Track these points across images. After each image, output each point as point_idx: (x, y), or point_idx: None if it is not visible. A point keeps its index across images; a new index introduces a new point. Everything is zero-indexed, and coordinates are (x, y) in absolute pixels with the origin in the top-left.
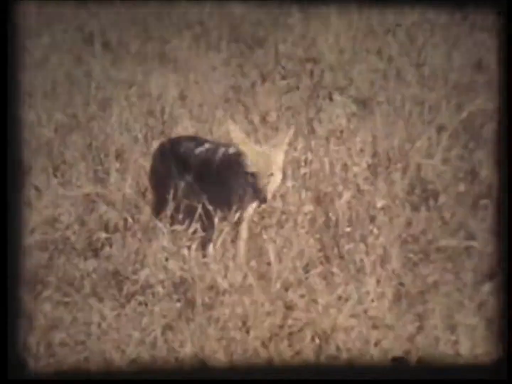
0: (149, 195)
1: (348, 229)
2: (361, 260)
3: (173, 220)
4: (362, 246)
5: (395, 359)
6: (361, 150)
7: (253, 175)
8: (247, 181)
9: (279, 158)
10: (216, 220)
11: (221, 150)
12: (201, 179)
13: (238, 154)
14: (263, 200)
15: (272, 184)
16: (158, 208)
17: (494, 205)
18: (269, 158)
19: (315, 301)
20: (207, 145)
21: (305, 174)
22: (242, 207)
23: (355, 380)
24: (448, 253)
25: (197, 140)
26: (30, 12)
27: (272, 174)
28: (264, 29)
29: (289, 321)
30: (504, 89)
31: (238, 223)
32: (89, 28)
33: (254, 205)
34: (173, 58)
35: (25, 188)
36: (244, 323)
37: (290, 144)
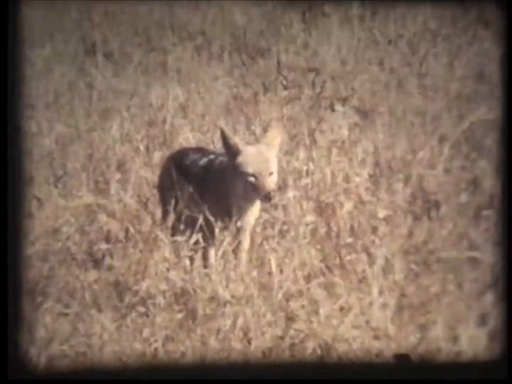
0: (151, 206)
1: (349, 240)
2: (363, 271)
3: (174, 231)
4: (364, 256)
5: (397, 356)
6: (363, 161)
7: (254, 175)
8: (248, 182)
9: (274, 157)
10: (217, 230)
11: (219, 159)
12: (202, 190)
13: (236, 157)
14: (269, 198)
15: (273, 183)
16: (163, 219)
17: (496, 216)
18: (267, 157)
19: (316, 312)
20: (211, 156)
21: (306, 184)
22: (242, 216)
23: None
24: (450, 264)
25: (203, 152)
26: (32, 23)
27: (272, 173)
28: (266, 40)
29: (291, 332)
30: (506, 99)
31: (239, 233)
32: (91, 39)
33: (255, 211)
34: (175, 68)
35: (26, 199)
36: (245, 334)
37: (282, 145)
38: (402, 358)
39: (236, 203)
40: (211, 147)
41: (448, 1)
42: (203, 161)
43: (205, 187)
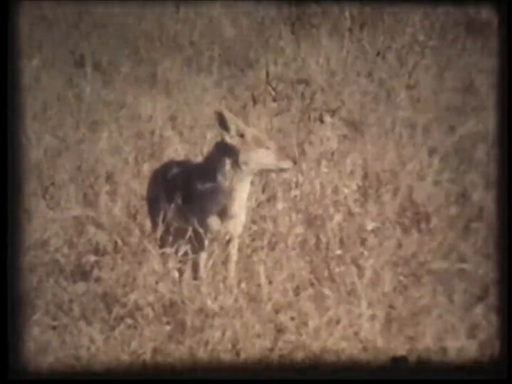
0: (139, 218)
1: (339, 252)
2: (352, 283)
3: (163, 243)
4: (353, 268)
5: (396, 359)
6: (352, 172)
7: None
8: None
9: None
10: (206, 242)
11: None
12: (190, 201)
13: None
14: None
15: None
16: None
17: (485, 228)
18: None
19: (305, 324)
20: (194, 167)
21: (295, 196)
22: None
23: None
24: (439, 276)
25: (190, 164)
26: (21, 34)
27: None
28: (255, 51)
29: (280, 344)
30: (496, 111)
31: (228, 244)
32: (80, 50)
33: (242, 218)
34: (164, 80)
35: (14, 211)
36: (234, 345)
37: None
38: (400, 361)
39: (223, 205)
40: (199, 158)
41: (437, 12)
42: (189, 172)
43: (192, 196)
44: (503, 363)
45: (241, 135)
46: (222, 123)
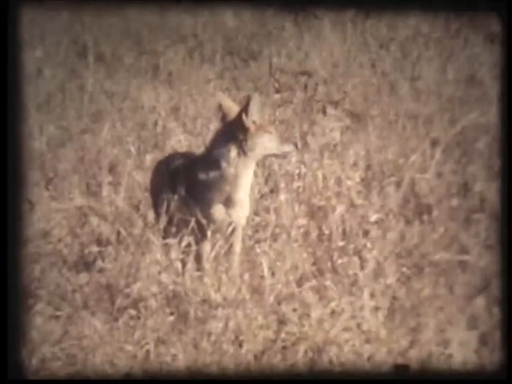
0: (142, 208)
1: (341, 243)
2: (355, 274)
3: (166, 233)
4: (355, 260)
5: (397, 366)
6: (355, 164)
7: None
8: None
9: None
10: (209, 233)
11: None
12: (193, 192)
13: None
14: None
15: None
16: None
17: (487, 219)
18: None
19: (308, 315)
20: (198, 159)
21: (298, 187)
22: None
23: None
24: (442, 267)
25: (191, 155)
26: (23, 25)
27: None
28: (258, 42)
29: (282, 335)
30: (499, 103)
31: (231, 235)
32: (83, 41)
33: (245, 209)
34: (166, 71)
35: (17, 201)
36: (237, 336)
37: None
38: (401, 368)
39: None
40: (202, 149)
41: (439, 6)
42: (192, 162)
43: (196, 187)
44: (503, 363)
45: (253, 121)
46: (246, 106)
